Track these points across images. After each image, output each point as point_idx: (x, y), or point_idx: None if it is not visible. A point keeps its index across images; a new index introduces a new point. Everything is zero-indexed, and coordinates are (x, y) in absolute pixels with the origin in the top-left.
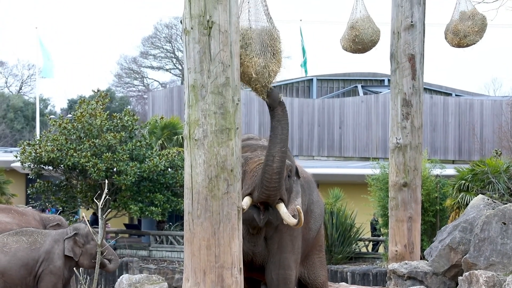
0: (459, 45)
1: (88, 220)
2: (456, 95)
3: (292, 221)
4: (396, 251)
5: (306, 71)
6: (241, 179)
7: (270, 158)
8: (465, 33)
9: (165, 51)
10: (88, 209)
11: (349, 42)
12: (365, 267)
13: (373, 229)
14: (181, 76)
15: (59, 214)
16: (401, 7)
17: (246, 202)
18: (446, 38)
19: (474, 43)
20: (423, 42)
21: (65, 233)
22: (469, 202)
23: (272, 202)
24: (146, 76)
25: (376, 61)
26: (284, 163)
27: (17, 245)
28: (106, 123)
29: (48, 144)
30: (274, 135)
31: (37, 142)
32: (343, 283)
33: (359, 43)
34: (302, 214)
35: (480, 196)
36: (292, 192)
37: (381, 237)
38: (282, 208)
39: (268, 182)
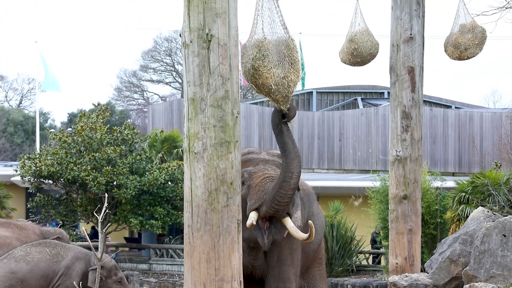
0: (460, 58)
1: (88, 234)
2: (455, 107)
3: (301, 235)
4: (397, 263)
5: (303, 85)
6: (245, 194)
7: (288, 175)
8: (466, 46)
9: (165, 64)
10: (88, 222)
11: (347, 55)
12: (366, 280)
13: (373, 241)
14: (181, 89)
15: (59, 228)
16: (400, 19)
17: (254, 217)
18: (446, 51)
19: (475, 56)
20: (423, 54)
21: (89, 255)
22: (469, 214)
23: (279, 217)
24: (146, 89)
25: (376, 74)
26: (299, 180)
27: (40, 256)
28: (106, 137)
29: (48, 158)
30: (287, 151)
31: (37, 156)
32: None
33: (358, 56)
34: (313, 229)
35: (480, 208)
36: (294, 205)
37: (381, 250)
38: (289, 222)
39: (281, 198)
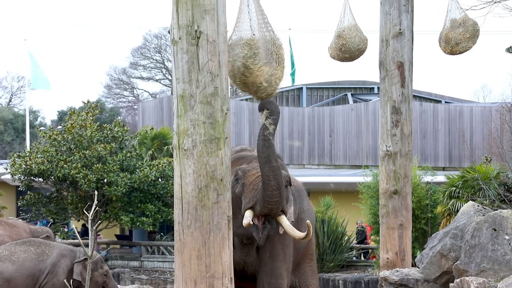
0: (452, 53)
1: (78, 232)
2: (445, 102)
3: (298, 234)
4: (388, 258)
5: (293, 81)
6: (240, 192)
7: (265, 178)
8: (457, 41)
9: (155, 61)
10: (79, 220)
11: (336, 50)
12: (357, 275)
13: (360, 236)
14: (171, 86)
15: (50, 226)
16: (389, 15)
17: (249, 215)
18: (440, 47)
19: (468, 50)
20: (412, 49)
21: (74, 251)
22: (460, 208)
23: (274, 215)
24: (136, 86)
25: (366, 69)
26: (281, 178)
27: (25, 255)
28: (96, 134)
29: (38, 156)
30: (258, 155)
31: (27, 154)
32: None
33: (346, 51)
34: (311, 228)
35: (470, 202)
36: (288, 201)
37: (372, 245)
38: (284, 221)
39: (269, 198)
